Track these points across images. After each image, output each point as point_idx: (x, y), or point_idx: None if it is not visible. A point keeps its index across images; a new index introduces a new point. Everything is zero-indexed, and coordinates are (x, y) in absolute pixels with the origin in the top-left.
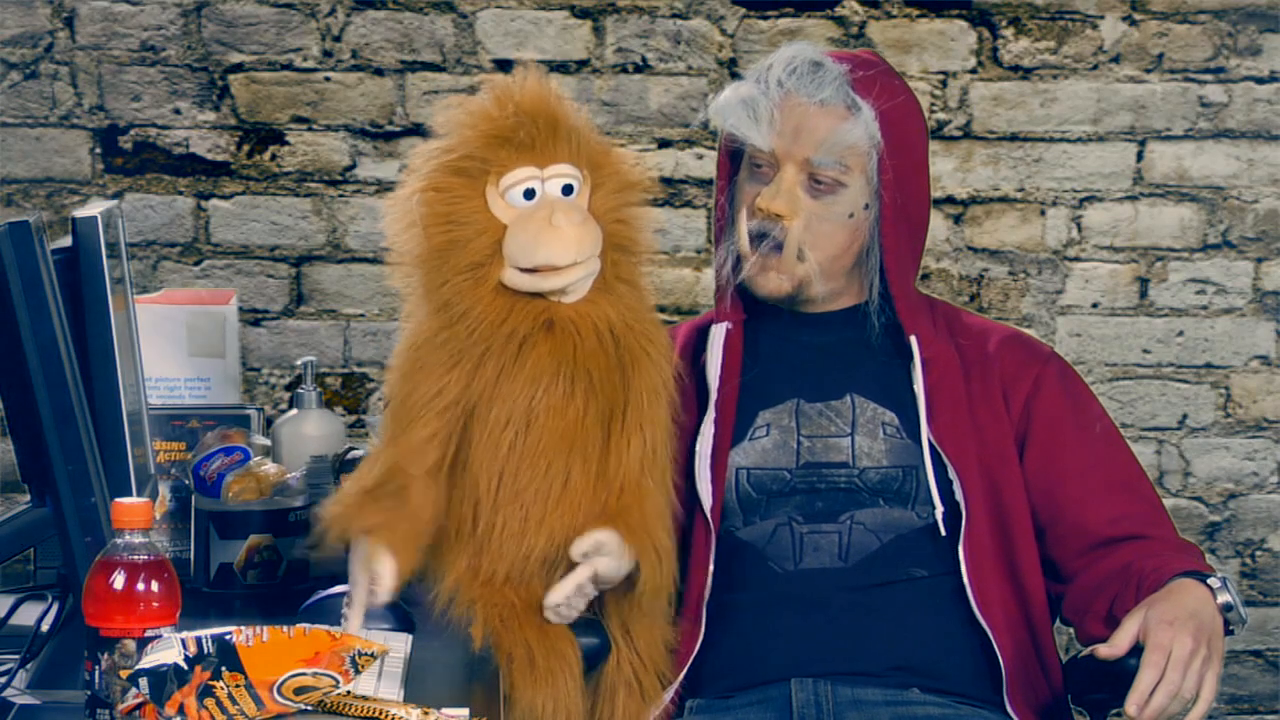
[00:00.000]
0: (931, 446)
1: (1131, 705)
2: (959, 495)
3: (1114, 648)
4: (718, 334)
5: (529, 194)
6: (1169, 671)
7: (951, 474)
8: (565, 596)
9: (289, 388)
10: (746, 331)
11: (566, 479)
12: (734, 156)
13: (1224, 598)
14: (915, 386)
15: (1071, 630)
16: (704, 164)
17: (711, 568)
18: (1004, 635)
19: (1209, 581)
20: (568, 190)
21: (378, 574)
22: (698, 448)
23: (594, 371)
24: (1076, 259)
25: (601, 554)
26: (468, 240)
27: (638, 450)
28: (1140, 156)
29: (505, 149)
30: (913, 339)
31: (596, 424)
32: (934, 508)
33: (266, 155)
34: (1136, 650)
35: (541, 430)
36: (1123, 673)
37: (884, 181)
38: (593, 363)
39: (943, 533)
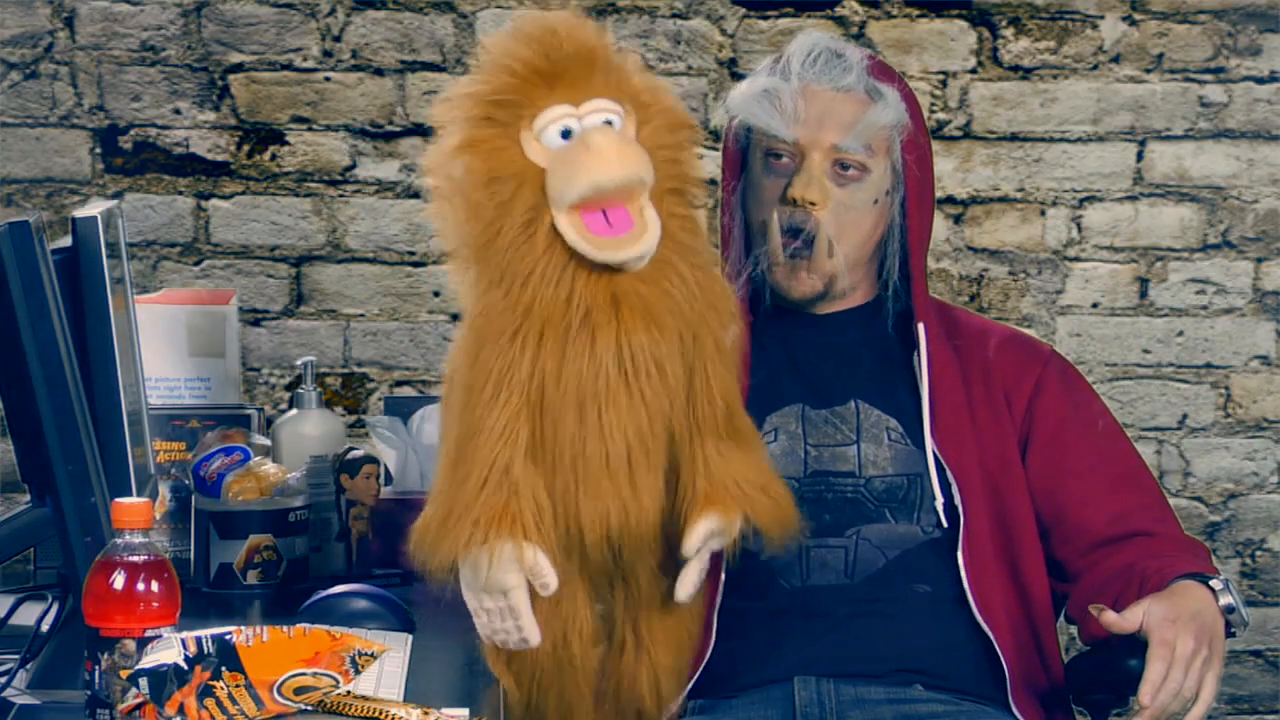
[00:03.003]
0: (934, 454)
1: (1145, 695)
2: (958, 501)
3: (1126, 621)
4: None
5: (565, 133)
6: (1172, 669)
7: (950, 477)
8: (691, 592)
9: (289, 388)
10: (752, 334)
11: (629, 459)
12: (738, 157)
13: (1226, 600)
14: (920, 383)
15: (1074, 629)
16: (704, 164)
17: (723, 575)
18: (1006, 638)
19: (1211, 583)
20: (608, 126)
21: (536, 568)
22: None
23: (664, 338)
24: (1076, 259)
25: (714, 538)
26: (512, 198)
27: (710, 423)
28: (1140, 156)
29: (536, 88)
30: (920, 326)
31: (665, 397)
32: (938, 515)
33: (266, 155)
34: (1137, 650)
35: (605, 410)
36: (1123, 673)
37: (908, 163)
38: (663, 331)
39: (944, 524)
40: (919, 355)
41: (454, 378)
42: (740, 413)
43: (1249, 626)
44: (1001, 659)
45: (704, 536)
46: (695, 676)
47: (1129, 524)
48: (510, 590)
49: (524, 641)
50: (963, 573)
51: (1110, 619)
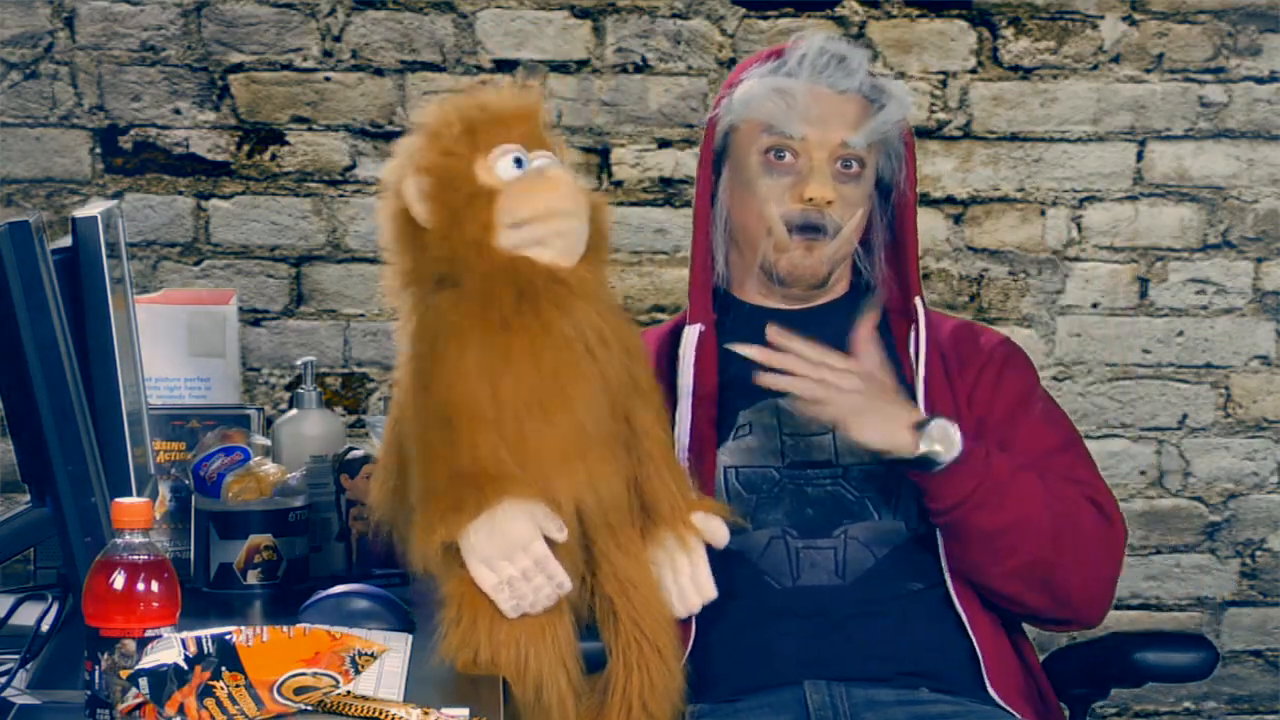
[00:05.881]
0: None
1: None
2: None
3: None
4: (690, 336)
5: (518, 162)
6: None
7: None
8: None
9: (289, 388)
10: (720, 333)
11: (587, 428)
12: (717, 158)
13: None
14: (915, 361)
15: (1043, 630)
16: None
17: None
18: (981, 625)
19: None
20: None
21: (546, 518)
22: (677, 440)
23: (605, 322)
24: (1076, 259)
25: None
26: (463, 208)
27: (661, 448)
28: (1140, 156)
29: (493, 129)
30: (917, 300)
31: (612, 375)
32: (917, 514)
33: (266, 155)
34: (1139, 643)
35: (549, 384)
36: (1119, 667)
37: (909, 155)
38: (603, 315)
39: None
40: (916, 329)
41: (407, 378)
42: (675, 449)
43: (1248, 626)
44: (977, 647)
45: (703, 521)
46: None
47: None
48: (531, 542)
49: (560, 588)
50: (940, 549)
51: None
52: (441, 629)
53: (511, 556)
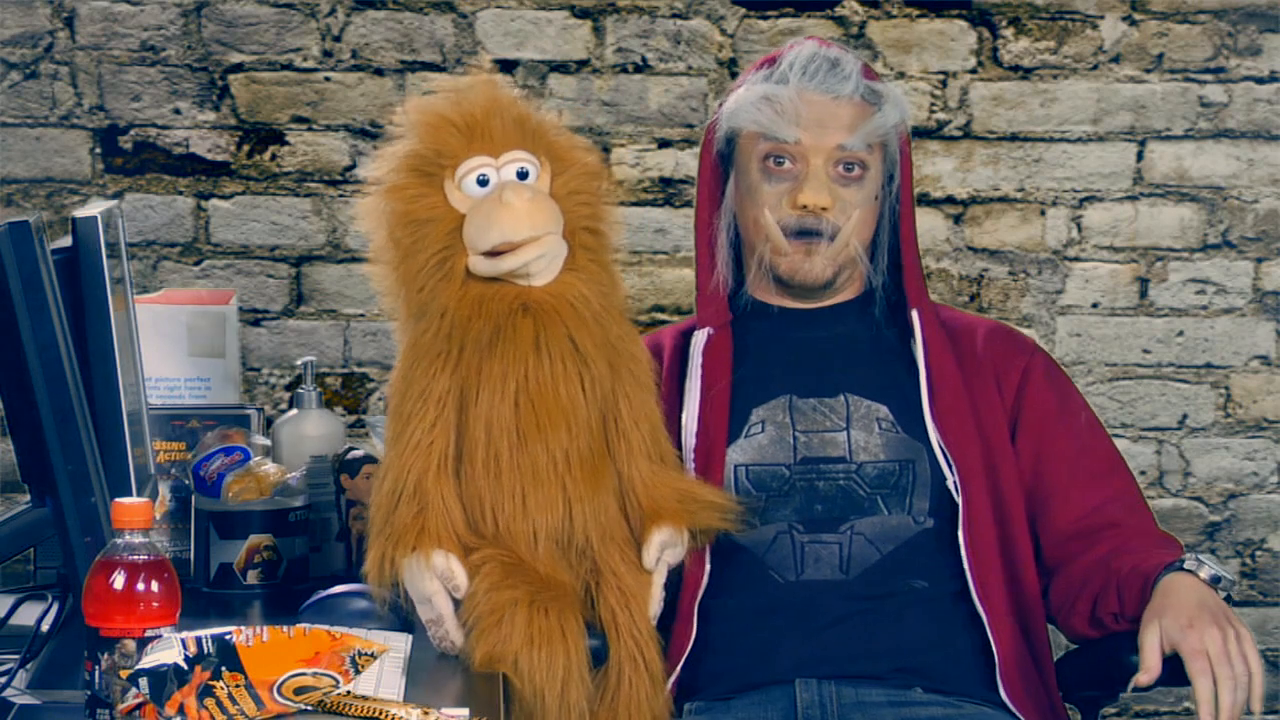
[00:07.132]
0: (935, 434)
1: (1206, 714)
2: (953, 486)
3: (1150, 672)
4: (699, 340)
5: (483, 181)
6: (1218, 669)
7: (949, 461)
8: (659, 604)
9: (289, 388)
10: (733, 334)
11: (566, 453)
12: (719, 164)
13: (1207, 573)
14: (916, 360)
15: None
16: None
17: (708, 568)
18: (1002, 627)
19: (1186, 566)
20: (523, 175)
21: (446, 572)
22: (683, 441)
23: (579, 341)
24: (1076, 259)
25: (669, 549)
26: (429, 236)
27: (639, 445)
28: (1140, 156)
29: (457, 141)
30: (914, 313)
31: (590, 394)
32: (928, 510)
33: (266, 155)
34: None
35: (530, 407)
36: (1122, 669)
37: (905, 157)
38: (577, 333)
39: (956, 499)
40: (915, 340)
41: (389, 404)
42: (664, 437)
43: (1248, 626)
44: (994, 650)
45: (659, 548)
46: (678, 669)
47: (1105, 515)
48: (432, 596)
49: (453, 645)
50: (963, 553)
51: (1144, 680)
52: (468, 624)
53: (422, 605)
